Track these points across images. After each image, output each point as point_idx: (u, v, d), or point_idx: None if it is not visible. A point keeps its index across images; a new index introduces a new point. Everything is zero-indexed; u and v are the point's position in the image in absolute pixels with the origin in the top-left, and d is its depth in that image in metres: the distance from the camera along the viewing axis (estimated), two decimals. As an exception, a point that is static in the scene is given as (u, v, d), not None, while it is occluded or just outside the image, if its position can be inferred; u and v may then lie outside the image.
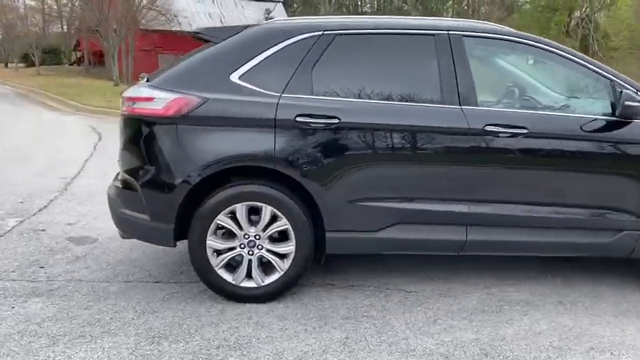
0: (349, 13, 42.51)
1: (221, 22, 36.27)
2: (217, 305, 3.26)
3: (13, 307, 3.20)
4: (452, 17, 43.70)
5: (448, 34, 3.29)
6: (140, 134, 3.25)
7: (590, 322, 3.11)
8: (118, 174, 3.63)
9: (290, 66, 3.22)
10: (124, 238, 3.56)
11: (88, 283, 3.56)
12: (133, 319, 3.09)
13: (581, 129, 3.23)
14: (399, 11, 40.20)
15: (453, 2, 43.32)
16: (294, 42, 3.25)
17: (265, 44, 3.25)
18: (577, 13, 30.66)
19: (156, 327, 3.00)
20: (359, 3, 45.08)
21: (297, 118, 3.12)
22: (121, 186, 3.37)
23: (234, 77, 3.19)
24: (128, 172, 3.33)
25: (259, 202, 3.17)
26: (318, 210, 3.21)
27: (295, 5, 44.68)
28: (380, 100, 3.23)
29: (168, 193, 3.16)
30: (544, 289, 3.56)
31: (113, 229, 4.52)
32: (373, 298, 3.39)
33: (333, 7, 39.30)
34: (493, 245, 3.34)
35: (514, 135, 3.18)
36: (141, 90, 3.26)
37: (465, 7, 45.34)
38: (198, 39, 3.59)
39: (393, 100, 3.23)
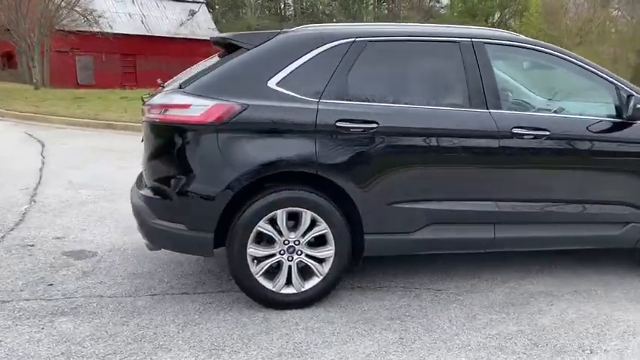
0: (272, 15, 42.49)
1: (142, 22, 35.24)
2: (258, 313, 3.23)
3: (42, 328, 3.02)
4: (373, 21, 44.87)
5: (471, 41, 3.44)
6: (175, 142, 3.15)
7: (611, 309, 3.36)
8: (141, 182, 3.51)
9: (326, 72, 3.25)
10: (151, 249, 3.44)
11: (111, 299, 3.40)
12: (178, 332, 3.00)
13: (594, 131, 3.49)
14: (326, 15, 40.69)
15: (374, 7, 44.37)
16: (328, 48, 3.28)
17: (300, 51, 3.26)
18: (493, 19, 32.38)
19: (206, 339, 2.93)
20: (282, 6, 45.12)
21: (338, 123, 3.16)
22: (151, 195, 3.25)
23: (272, 83, 3.18)
24: (161, 180, 3.23)
25: (300, 207, 3.18)
26: (356, 213, 3.25)
27: (217, 7, 44.05)
28: (413, 104, 3.33)
29: (208, 202, 3.10)
30: (555, 280, 3.80)
31: (109, 242, 4.42)
32: (407, 298, 3.48)
33: (257, 10, 39.13)
34: (518, 241, 3.53)
35: (536, 137, 3.38)
36: (174, 96, 3.17)
37: (386, 12, 46.64)
38: (226, 45, 3.52)
39: (424, 105, 3.34)
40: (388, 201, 3.27)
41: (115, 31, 31.25)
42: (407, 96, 3.36)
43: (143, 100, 3.48)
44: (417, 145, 3.28)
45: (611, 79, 3.60)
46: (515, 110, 3.59)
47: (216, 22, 38.58)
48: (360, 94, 3.28)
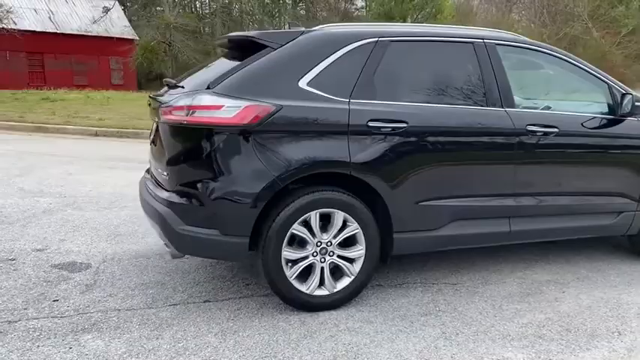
0: (189, 14, 41.44)
1: (50, 19, 33.25)
2: (292, 317, 3.18)
3: (70, 348, 2.80)
4: (291, 21, 44.74)
5: (484, 42, 3.57)
6: (206, 144, 3.02)
7: (617, 293, 3.60)
8: (155, 186, 3.34)
9: (353, 72, 3.24)
10: (175, 257, 3.28)
11: (130, 312, 3.21)
12: (220, 342, 2.89)
13: (593, 127, 3.73)
14: (245, 14, 40.26)
15: (292, 7, 44.44)
16: (354, 48, 3.27)
17: (328, 50, 3.23)
18: (408, 21, 33.40)
19: (253, 347, 2.85)
20: (198, 4, 44.13)
21: (370, 123, 3.17)
22: (179, 201, 3.10)
23: (303, 83, 3.13)
24: (189, 185, 3.08)
25: (332, 208, 3.16)
26: (386, 212, 3.28)
27: (128, 3, 42.37)
28: (436, 103, 3.40)
29: (245, 206, 3.01)
30: (556, 269, 4.01)
31: (98, 253, 4.18)
32: (430, 293, 3.55)
33: (174, 7, 37.97)
34: (529, 233, 3.70)
35: (546, 134, 3.56)
36: (204, 97, 3.03)
37: (303, 12, 46.87)
38: (238, 44, 3.42)
39: (446, 104, 3.42)
40: (416, 199, 3.32)
41: (20, 28, 29.26)
42: (429, 95, 3.42)
43: (158, 101, 3.32)
44: (442, 143, 3.36)
45: (604, 79, 3.85)
46: (526, 109, 3.75)
47: (129, 20, 37.13)
48: (386, 94, 3.29)
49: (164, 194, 3.20)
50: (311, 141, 3.11)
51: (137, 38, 34.43)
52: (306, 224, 3.14)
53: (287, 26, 3.86)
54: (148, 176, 3.74)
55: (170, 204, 3.12)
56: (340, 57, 3.24)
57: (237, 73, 3.11)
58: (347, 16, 43.42)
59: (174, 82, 3.44)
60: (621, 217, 3.89)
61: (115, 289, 3.53)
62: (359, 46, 3.29)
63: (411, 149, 3.27)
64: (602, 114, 3.84)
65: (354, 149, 3.14)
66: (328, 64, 3.21)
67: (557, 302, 3.45)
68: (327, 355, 2.79)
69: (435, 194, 3.37)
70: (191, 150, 3.10)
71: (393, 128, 3.22)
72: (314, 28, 3.41)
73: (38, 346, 2.82)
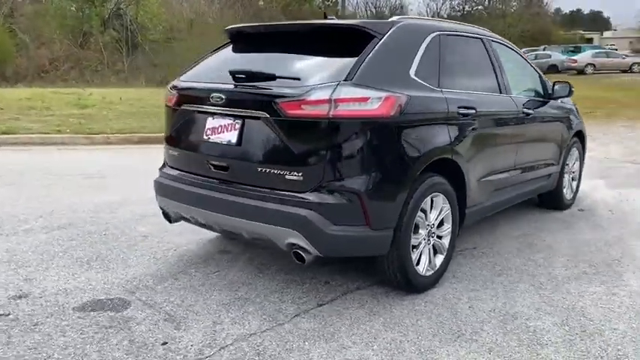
0: None
1: None
2: (416, 300, 3.30)
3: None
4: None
5: (487, 38, 4.17)
6: (353, 139, 2.89)
7: (571, 234, 4.64)
8: (259, 189, 3.02)
9: (434, 63, 3.46)
10: (306, 262, 2.99)
11: (271, 333, 2.89)
12: (403, 335, 2.89)
13: (540, 108, 4.71)
14: None
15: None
16: (430, 40, 3.48)
17: (418, 42, 3.38)
18: (110, 5, 31.09)
19: (433, 331, 2.94)
20: None
21: (459, 110, 3.46)
22: (325, 201, 2.87)
23: (412, 73, 3.23)
24: (336, 183, 2.89)
25: (438, 192, 3.38)
26: (463, 191, 3.62)
27: None
28: (482, 91, 3.90)
29: (395, 197, 3.01)
30: (517, 225, 4.86)
31: (104, 285, 3.61)
32: (473, 259, 4.01)
33: None
34: (515, 197, 4.49)
35: (527, 114, 4.38)
36: (348, 89, 2.86)
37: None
38: (340, 31, 3.26)
39: (487, 91, 3.96)
40: (479, 177, 3.76)
41: None
42: (476, 84, 3.88)
43: (264, 94, 2.97)
44: (492, 126, 3.88)
45: (536, 69, 4.87)
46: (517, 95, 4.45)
47: None
48: (453, 83, 3.59)
49: (300, 196, 2.90)
50: (428, 129, 3.26)
51: None
52: (421, 210, 3.28)
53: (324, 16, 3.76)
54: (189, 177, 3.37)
55: (313, 205, 2.87)
56: (425, 48, 3.41)
57: (365, 63, 3.01)
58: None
59: (270, 73, 3.06)
60: (551, 178, 5.01)
61: (209, 317, 3.04)
62: (432, 38, 3.50)
63: (478, 132, 3.68)
64: (537, 97, 4.84)
65: (452, 135, 3.40)
66: (421, 55, 3.36)
67: (554, 248, 4.32)
68: (494, 322, 3.05)
69: (488, 170, 3.87)
70: (334, 146, 2.89)
71: (466, 114, 3.57)
72: (398, 19, 3.46)
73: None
